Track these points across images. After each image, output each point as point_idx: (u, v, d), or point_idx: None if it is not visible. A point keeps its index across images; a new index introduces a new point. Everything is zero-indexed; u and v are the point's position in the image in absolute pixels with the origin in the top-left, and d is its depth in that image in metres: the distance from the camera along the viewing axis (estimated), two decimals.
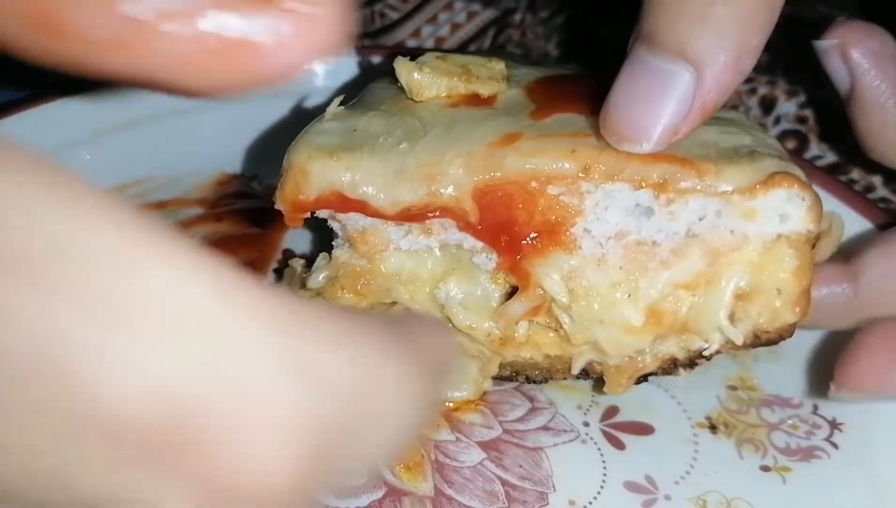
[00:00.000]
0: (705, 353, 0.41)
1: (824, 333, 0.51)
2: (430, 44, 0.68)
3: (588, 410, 0.46)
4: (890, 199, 0.57)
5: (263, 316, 0.16)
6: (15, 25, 0.17)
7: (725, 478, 0.43)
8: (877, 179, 0.57)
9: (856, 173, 0.57)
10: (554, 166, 0.38)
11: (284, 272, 0.46)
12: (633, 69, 0.36)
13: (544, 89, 0.42)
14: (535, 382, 0.45)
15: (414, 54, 0.42)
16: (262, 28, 0.18)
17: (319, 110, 0.42)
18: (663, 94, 0.35)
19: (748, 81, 0.61)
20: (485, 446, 0.43)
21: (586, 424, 0.45)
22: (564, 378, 0.44)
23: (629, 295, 0.39)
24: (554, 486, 0.42)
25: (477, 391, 0.45)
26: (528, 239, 0.39)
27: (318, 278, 0.42)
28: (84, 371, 0.14)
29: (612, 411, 0.46)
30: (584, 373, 0.43)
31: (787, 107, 0.60)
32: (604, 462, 0.43)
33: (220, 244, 0.55)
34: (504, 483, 0.42)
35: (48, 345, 0.14)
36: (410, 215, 0.39)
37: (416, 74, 0.41)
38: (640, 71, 0.35)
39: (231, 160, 0.62)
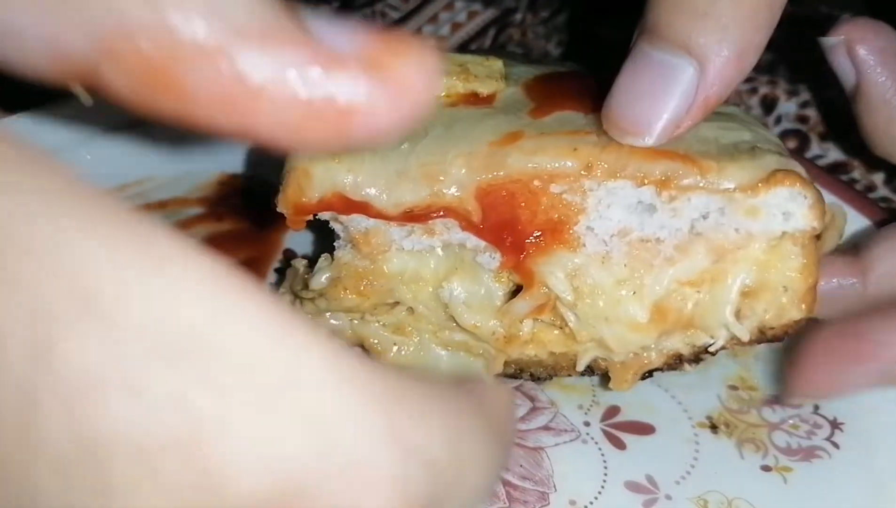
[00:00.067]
0: (711, 349, 0.41)
1: None
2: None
3: (589, 410, 0.46)
4: (891, 198, 0.57)
5: (368, 392, 0.16)
6: (128, 79, 0.18)
7: (726, 478, 0.43)
8: (878, 179, 0.57)
9: (857, 173, 0.57)
10: (556, 165, 0.38)
11: (287, 273, 0.46)
12: (636, 63, 0.36)
13: (543, 87, 0.42)
14: (539, 379, 0.45)
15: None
16: (364, 93, 0.19)
17: None
18: (666, 87, 0.35)
19: (749, 80, 0.61)
20: None
21: (587, 424, 0.45)
22: (569, 375, 0.44)
23: (634, 292, 0.39)
24: (555, 486, 0.42)
25: None
26: (531, 238, 0.39)
27: (321, 279, 0.42)
28: (212, 448, 0.15)
29: (612, 411, 0.46)
30: (589, 370, 0.43)
31: (788, 106, 0.60)
32: (605, 461, 0.43)
33: (221, 244, 0.55)
34: (505, 482, 0.42)
35: (180, 420, 0.15)
36: (413, 216, 0.39)
37: None
38: (643, 65, 0.36)
39: (232, 160, 0.62)
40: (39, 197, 0.15)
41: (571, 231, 0.39)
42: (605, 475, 0.43)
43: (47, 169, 0.16)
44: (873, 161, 0.48)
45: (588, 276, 0.39)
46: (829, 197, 0.44)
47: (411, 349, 0.44)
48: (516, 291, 0.41)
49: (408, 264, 0.42)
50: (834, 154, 0.58)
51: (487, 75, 0.42)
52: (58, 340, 0.14)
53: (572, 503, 0.41)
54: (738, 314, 0.39)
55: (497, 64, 0.43)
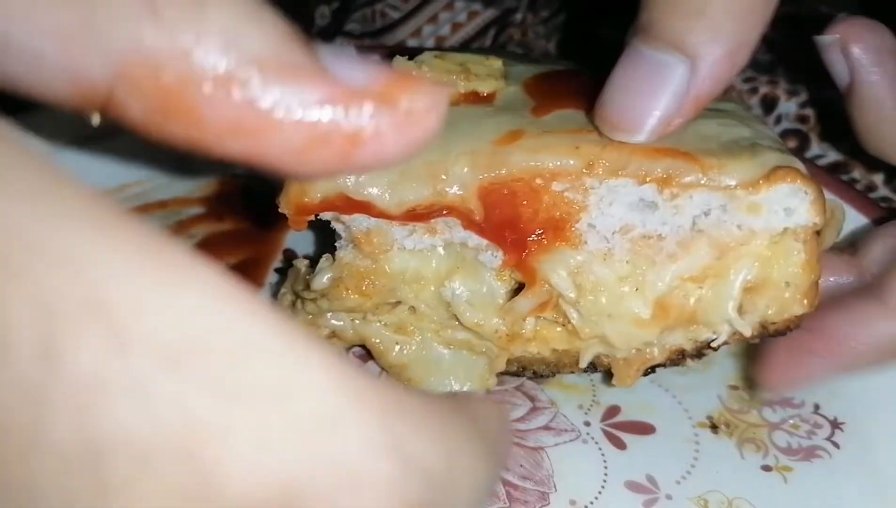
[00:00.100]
0: (713, 345, 0.41)
1: None
2: (430, 43, 0.68)
3: (589, 410, 0.46)
4: (891, 197, 0.57)
5: (367, 401, 0.17)
6: (144, 106, 0.19)
7: (727, 478, 0.43)
8: (878, 178, 0.57)
9: (857, 172, 0.57)
10: (558, 163, 0.38)
11: (289, 273, 0.46)
12: (629, 61, 0.36)
13: (542, 86, 0.42)
14: (542, 376, 0.45)
15: (412, 54, 0.43)
16: (374, 124, 0.20)
17: None
18: (658, 85, 0.35)
19: (749, 80, 0.61)
20: None
21: (587, 424, 0.45)
22: (572, 372, 0.44)
23: (637, 288, 0.39)
24: (555, 486, 0.42)
25: (483, 388, 0.45)
26: (533, 236, 0.39)
27: (322, 279, 0.42)
28: (212, 451, 0.15)
29: (613, 410, 0.46)
30: (592, 366, 0.43)
31: (788, 106, 0.60)
32: (605, 461, 0.43)
33: (222, 244, 0.55)
34: (505, 482, 0.42)
35: (182, 424, 0.15)
36: (416, 215, 0.39)
37: (414, 73, 0.41)
38: (636, 62, 0.36)
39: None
40: (47, 200, 0.16)
41: (573, 229, 0.39)
42: (606, 475, 0.43)
43: (50, 172, 0.16)
44: (873, 161, 0.48)
45: (590, 273, 0.39)
46: (828, 195, 0.44)
47: (413, 348, 0.44)
48: (518, 289, 0.41)
49: (409, 263, 0.42)
50: (834, 154, 0.58)
51: (487, 74, 0.42)
52: (67, 342, 0.15)
53: (572, 503, 0.41)
54: (740, 310, 0.40)
55: (497, 63, 0.43)
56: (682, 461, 0.44)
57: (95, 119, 0.20)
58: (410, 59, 0.42)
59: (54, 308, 0.15)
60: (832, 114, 0.51)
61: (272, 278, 0.53)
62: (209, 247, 0.55)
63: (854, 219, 0.50)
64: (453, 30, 0.69)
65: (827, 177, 0.52)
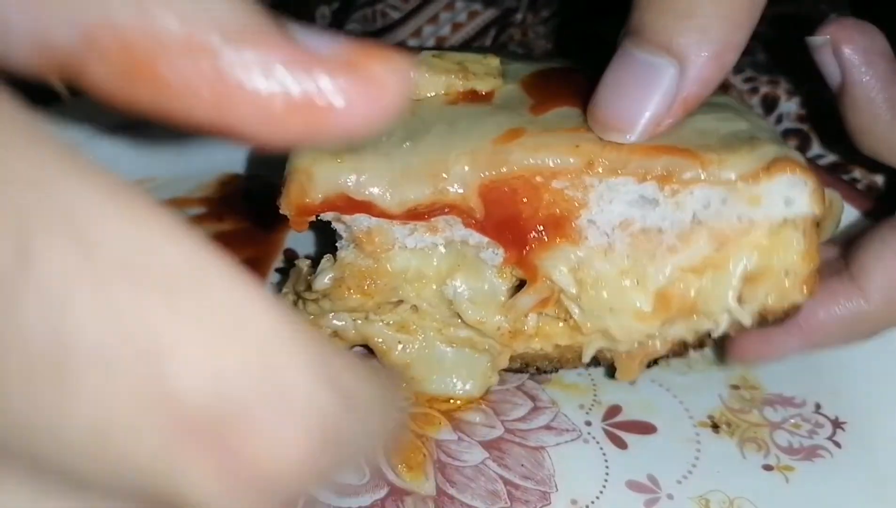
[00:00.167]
0: (714, 335, 0.41)
1: None
2: (431, 43, 0.68)
3: (590, 409, 0.46)
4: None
5: (306, 337, 0.19)
6: (110, 72, 0.19)
7: (728, 477, 0.43)
8: (879, 178, 0.57)
9: (858, 172, 0.57)
10: (558, 162, 0.38)
11: (290, 272, 0.46)
12: (620, 63, 0.37)
13: (540, 84, 0.43)
14: (545, 372, 0.45)
15: (410, 53, 0.43)
16: (340, 91, 0.20)
17: None
18: (648, 87, 0.36)
19: (750, 80, 0.61)
20: (487, 445, 0.43)
21: (588, 423, 0.45)
22: (575, 367, 0.44)
23: (637, 282, 0.39)
24: (556, 485, 0.42)
25: (485, 385, 0.45)
26: (534, 233, 0.39)
27: (324, 279, 0.42)
28: (169, 362, 0.17)
29: (614, 410, 0.46)
30: (595, 361, 0.43)
31: (789, 106, 0.60)
32: (606, 461, 0.43)
33: (223, 243, 0.55)
34: (506, 482, 0.42)
35: (141, 335, 0.17)
36: (417, 214, 0.39)
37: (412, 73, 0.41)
38: (626, 64, 0.37)
39: (233, 160, 0.62)
40: (24, 143, 0.17)
41: (573, 225, 0.39)
42: (607, 474, 0.43)
43: (29, 126, 0.18)
44: (874, 161, 0.48)
45: (591, 268, 0.39)
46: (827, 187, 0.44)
47: (416, 346, 0.44)
48: (520, 286, 0.41)
49: (411, 262, 0.42)
50: (835, 154, 0.58)
51: (485, 73, 0.42)
52: (38, 245, 0.16)
53: (574, 502, 0.41)
54: (739, 299, 0.40)
55: (494, 61, 0.43)
56: (683, 460, 0.44)
57: (62, 91, 0.21)
58: None
59: (27, 217, 0.16)
60: (833, 114, 0.51)
61: (273, 278, 0.53)
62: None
63: (857, 219, 0.50)
64: (454, 30, 0.69)
65: (828, 177, 0.52)
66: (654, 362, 0.43)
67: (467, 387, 0.45)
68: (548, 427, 0.45)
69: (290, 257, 0.55)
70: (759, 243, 0.39)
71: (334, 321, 0.44)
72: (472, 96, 0.41)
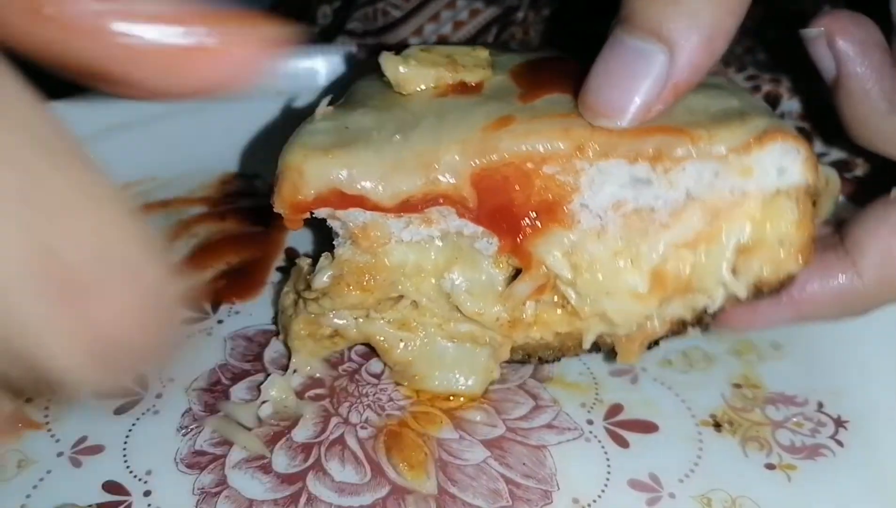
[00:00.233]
0: (710, 310, 0.41)
1: (826, 331, 0.51)
2: (432, 41, 0.68)
3: (592, 408, 0.46)
4: None
5: (136, 216, 0.24)
6: (18, 18, 0.22)
7: (730, 476, 0.43)
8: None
9: (860, 170, 0.57)
10: (548, 147, 0.38)
11: (291, 271, 0.46)
12: (611, 49, 0.37)
13: (530, 73, 0.43)
14: (548, 362, 0.45)
15: (398, 49, 0.43)
16: (215, 42, 0.23)
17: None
18: (638, 73, 0.36)
19: (752, 78, 0.61)
20: (488, 444, 0.43)
21: (590, 422, 0.45)
22: (576, 355, 0.44)
23: (632, 262, 0.39)
24: (558, 484, 0.42)
25: (488, 379, 0.45)
26: (527, 220, 0.39)
27: (323, 278, 0.42)
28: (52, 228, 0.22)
29: (615, 409, 0.46)
30: (596, 347, 0.43)
31: (791, 104, 0.60)
32: (608, 460, 0.43)
33: (224, 243, 0.55)
34: (508, 481, 0.42)
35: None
36: (410, 206, 0.39)
37: (401, 68, 0.41)
38: (617, 51, 0.37)
39: (234, 159, 0.62)
40: None
41: (566, 210, 0.39)
42: (609, 473, 0.43)
43: None
44: (876, 159, 0.48)
45: (585, 251, 0.39)
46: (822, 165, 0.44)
47: (417, 343, 0.44)
48: (517, 275, 0.41)
49: (408, 256, 0.42)
50: (838, 151, 0.58)
51: (474, 64, 0.42)
52: None
53: (575, 501, 0.41)
54: (734, 272, 0.40)
55: (483, 53, 0.43)
56: (685, 459, 0.44)
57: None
58: (398, 53, 0.42)
59: None
60: (835, 111, 0.51)
61: (275, 276, 0.53)
62: (211, 246, 0.55)
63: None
64: (455, 28, 0.69)
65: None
66: (654, 343, 0.43)
67: (470, 382, 0.45)
68: (549, 426, 0.45)
69: (292, 256, 0.55)
70: (752, 215, 0.39)
71: (335, 320, 0.44)
72: (462, 88, 0.41)
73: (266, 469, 0.41)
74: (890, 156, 0.45)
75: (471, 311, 0.42)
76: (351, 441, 0.43)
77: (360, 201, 0.39)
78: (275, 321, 0.49)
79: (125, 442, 0.42)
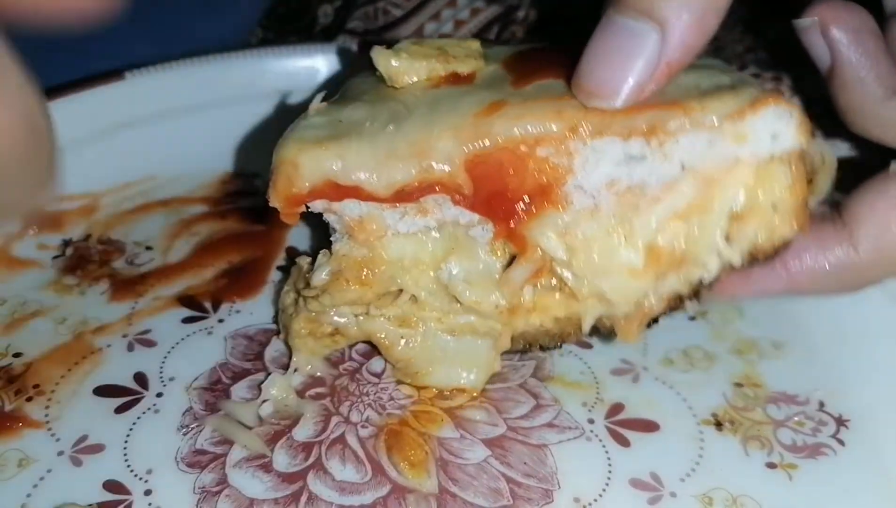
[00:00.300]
0: (706, 281, 0.41)
1: (827, 331, 0.51)
2: None
3: (593, 407, 0.46)
4: None
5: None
6: None
7: (731, 475, 0.43)
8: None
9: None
10: (541, 128, 0.38)
11: (291, 270, 0.46)
12: (604, 30, 0.37)
13: (521, 62, 0.43)
14: (549, 349, 0.45)
15: (390, 43, 0.43)
16: None
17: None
18: (631, 53, 0.36)
19: (753, 76, 0.61)
20: (489, 443, 0.43)
21: (591, 421, 0.45)
22: (577, 340, 0.44)
23: (626, 238, 0.39)
24: (559, 483, 0.42)
25: (489, 372, 0.45)
26: (521, 204, 0.39)
27: (322, 275, 0.42)
28: None
29: (617, 408, 0.46)
30: (596, 331, 0.43)
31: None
32: (609, 459, 0.43)
33: (225, 242, 0.55)
34: (509, 480, 0.42)
35: None
36: (405, 195, 0.39)
37: (393, 61, 0.41)
38: (610, 32, 0.37)
39: (234, 159, 0.62)
40: None
41: (560, 192, 0.39)
42: (610, 472, 0.43)
43: None
44: (878, 157, 0.48)
45: (578, 231, 0.39)
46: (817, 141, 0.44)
47: (419, 339, 0.44)
48: (513, 261, 0.41)
49: (406, 248, 0.42)
50: (839, 149, 0.58)
51: (466, 55, 0.42)
52: None
53: (576, 500, 0.41)
54: (728, 239, 0.40)
55: (475, 44, 0.43)
56: (686, 458, 0.44)
57: None
58: (389, 47, 0.42)
59: None
60: (831, 101, 0.51)
61: (275, 275, 0.53)
62: (212, 245, 0.55)
63: None
64: (456, 27, 0.69)
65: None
66: (654, 321, 0.43)
67: (472, 376, 0.45)
68: (550, 425, 0.45)
69: (293, 254, 0.55)
70: (745, 181, 0.39)
71: (336, 318, 0.44)
72: (454, 79, 0.41)
73: (267, 468, 0.41)
74: (886, 143, 0.45)
75: (469, 300, 0.42)
76: (352, 440, 0.43)
77: (356, 192, 0.39)
78: (275, 319, 0.49)
79: (126, 441, 0.42)
